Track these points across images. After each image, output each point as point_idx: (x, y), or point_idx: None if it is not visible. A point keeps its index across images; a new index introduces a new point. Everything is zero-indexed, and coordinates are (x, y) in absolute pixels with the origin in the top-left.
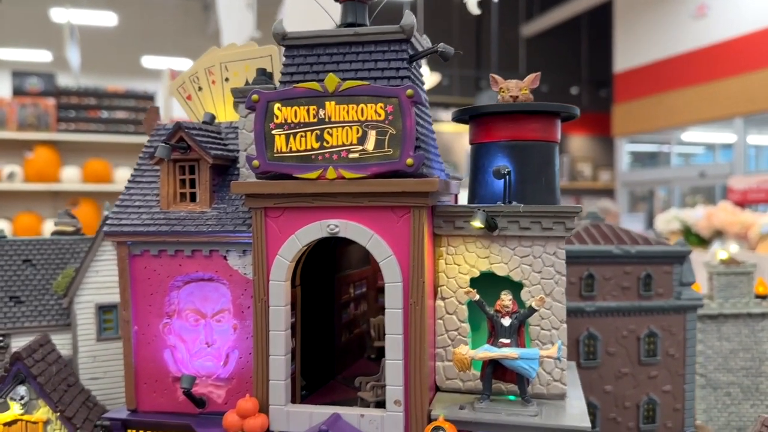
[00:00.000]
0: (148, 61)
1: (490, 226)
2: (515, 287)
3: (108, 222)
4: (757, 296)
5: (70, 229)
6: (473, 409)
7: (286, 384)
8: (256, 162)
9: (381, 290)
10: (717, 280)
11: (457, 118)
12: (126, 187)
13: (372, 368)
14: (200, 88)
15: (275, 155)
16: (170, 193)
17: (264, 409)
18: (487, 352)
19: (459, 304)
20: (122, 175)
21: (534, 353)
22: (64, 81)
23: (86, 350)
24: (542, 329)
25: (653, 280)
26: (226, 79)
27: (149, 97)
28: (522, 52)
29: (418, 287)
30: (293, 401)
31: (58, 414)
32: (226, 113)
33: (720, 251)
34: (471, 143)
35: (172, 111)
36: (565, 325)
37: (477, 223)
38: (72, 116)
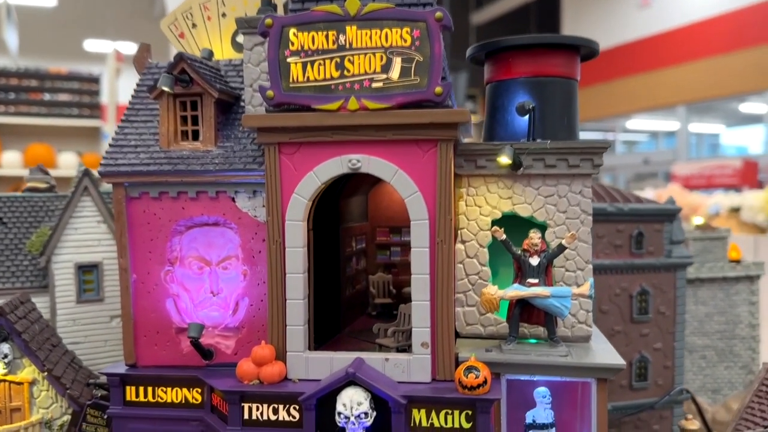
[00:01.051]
0: (92, 45)
1: (516, 164)
2: (538, 230)
3: (103, 162)
4: (731, 261)
5: (43, 185)
6: (501, 351)
7: (305, 329)
8: (270, 92)
9: (379, 246)
10: (693, 246)
11: (473, 56)
12: (119, 127)
13: (372, 324)
14: (194, 25)
15: (291, 86)
16: (171, 131)
17: (280, 356)
18: (518, 291)
19: (480, 247)
20: (66, 160)
21: (566, 291)
22: (1, 62)
23: (65, 313)
24: (567, 270)
25: (645, 238)
26: (223, 15)
27: (94, 80)
28: (472, 39)
29: (446, 225)
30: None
31: (46, 373)
32: (223, 51)
33: (695, 217)
34: (488, 82)
35: (118, 95)
36: (590, 266)
37: (504, 159)
38: (12, 98)
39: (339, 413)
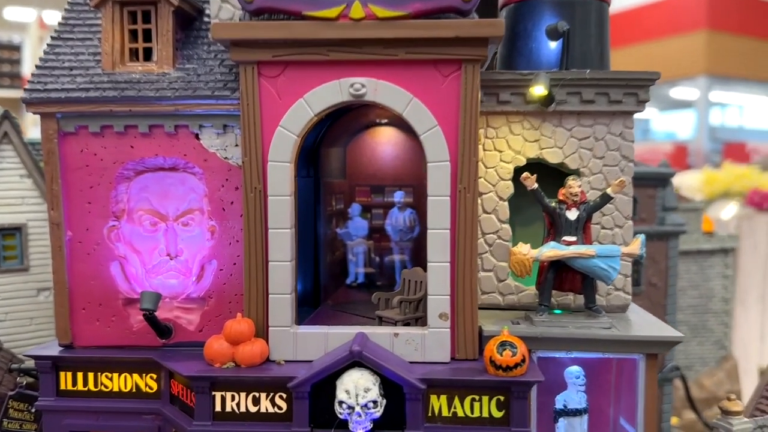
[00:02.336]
0: (12, 13)
1: (549, 98)
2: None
3: (28, 87)
4: (704, 233)
5: None
6: (533, 324)
7: (292, 299)
8: None
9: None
10: None
11: None
12: (49, 45)
13: (360, 297)
14: None
15: None
16: (116, 49)
17: (260, 332)
18: (556, 250)
19: (499, 200)
20: None
21: (615, 249)
22: None
23: None
24: (603, 228)
25: (638, 204)
26: None
27: (15, 47)
28: None
29: (470, 168)
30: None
31: None
32: None
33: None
34: (504, 5)
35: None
36: (630, 223)
37: (539, 90)
38: None
39: (340, 402)
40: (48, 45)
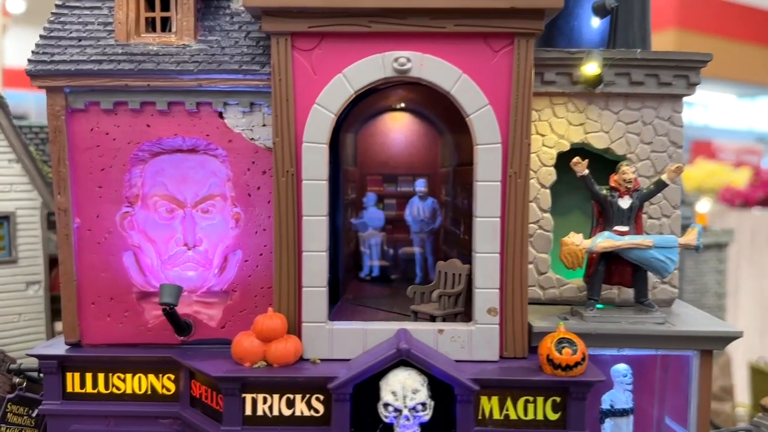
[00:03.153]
0: None
1: (598, 78)
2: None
3: (32, 58)
4: None
5: None
6: (583, 319)
7: (326, 293)
8: None
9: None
10: None
11: None
12: (54, 14)
13: (377, 291)
14: None
15: None
16: (131, 18)
17: (292, 329)
18: (612, 240)
19: (541, 187)
20: None
21: (672, 240)
22: None
23: None
24: (650, 217)
25: None
26: None
27: None
28: None
29: (522, 151)
30: None
31: None
32: None
33: None
34: None
35: (4, 55)
36: (678, 212)
37: (592, 68)
38: None
39: (386, 405)
40: (52, 14)
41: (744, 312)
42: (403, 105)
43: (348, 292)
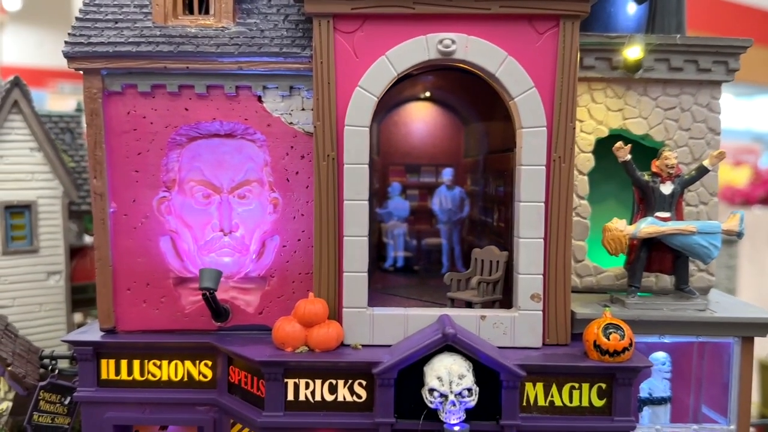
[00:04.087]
0: None
1: (637, 64)
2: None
3: (69, 40)
4: None
5: None
6: (625, 306)
7: (365, 278)
8: None
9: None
10: None
11: None
12: None
13: (403, 281)
14: None
15: None
16: (169, 0)
17: (333, 314)
18: (656, 226)
19: (579, 174)
20: None
21: (715, 225)
22: None
23: None
24: (687, 204)
25: None
26: None
27: None
28: None
29: (566, 135)
30: None
31: None
32: None
33: None
34: None
35: (2, 53)
36: (716, 199)
37: (635, 52)
38: None
39: (432, 390)
40: None
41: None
42: (427, 94)
43: (374, 282)
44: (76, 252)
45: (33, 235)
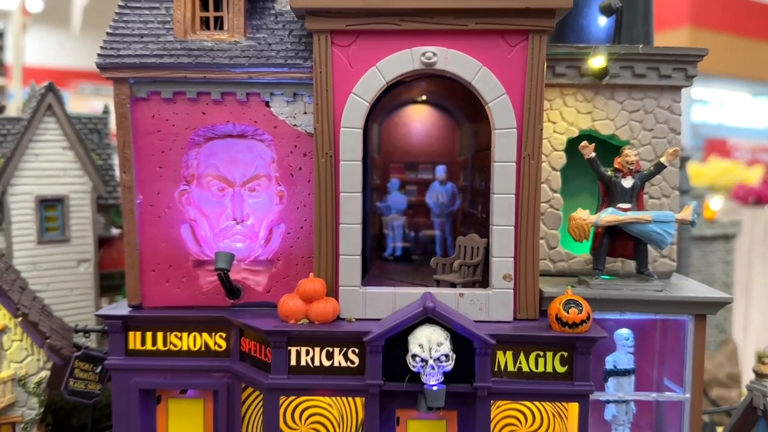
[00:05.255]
0: None
1: (604, 71)
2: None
3: (101, 53)
4: (706, 220)
5: None
6: (589, 287)
7: (360, 260)
8: None
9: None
10: None
11: None
12: (117, 14)
13: (400, 269)
14: None
15: None
16: (188, 17)
17: (330, 292)
18: (615, 215)
19: (552, 170)
20: None
21: (669, 215)
22: None
23: (24, 255)
24: (651, 197)
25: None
26: None
27: None
28: None
29: (535, 136)
30: None
31: (20, 319)
32: None
33: None
34: None
35: (25, 53)
36: (677, 192)
37: (599, 62)
38: None
39: (414, 356)
40: (116, 13)
41: (757, 306)
42: (424, 97)
43: (373, 269)
44: (103, 242)
45: (65, 227)
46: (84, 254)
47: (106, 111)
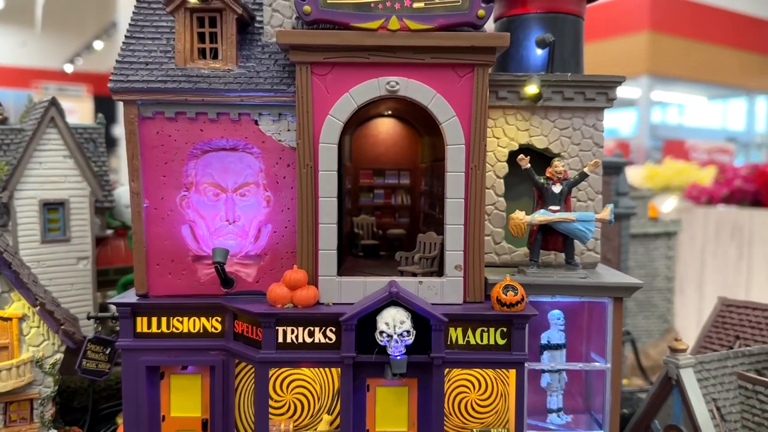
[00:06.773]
0: None
1: (538, 96)
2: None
3: (113, 78)
4: (650, 219)
5: None
6: (525, 275)
7: (335, 254)
8: (307, 8)
9: (363, 189)
10: None
11: None
12: (124, 43)
13: (370, 264)
14: None
15: (329, 1)
16: (187, 48)
17: (311, 281)
18: (545, 216)
19: (497, 178)
20: None
21: (590, 215)
22: None
23: (29, 254)
24: (578, 201)
25: None
26: None
27: None
28: None
29: (480, 151)
30: None
31: (38, 308)
32: None
33: None
34: (499, 18)
35: None
36: (600, 197)
37: (533, 89)
38: None
39: (381, 332)
40: (123, 43)
41: (709, 302)
42: (390, 112)
43: (347, 263)
44: (99, 241)
45: (66, 227)
46: (83, 252)
47: (100, 122)
